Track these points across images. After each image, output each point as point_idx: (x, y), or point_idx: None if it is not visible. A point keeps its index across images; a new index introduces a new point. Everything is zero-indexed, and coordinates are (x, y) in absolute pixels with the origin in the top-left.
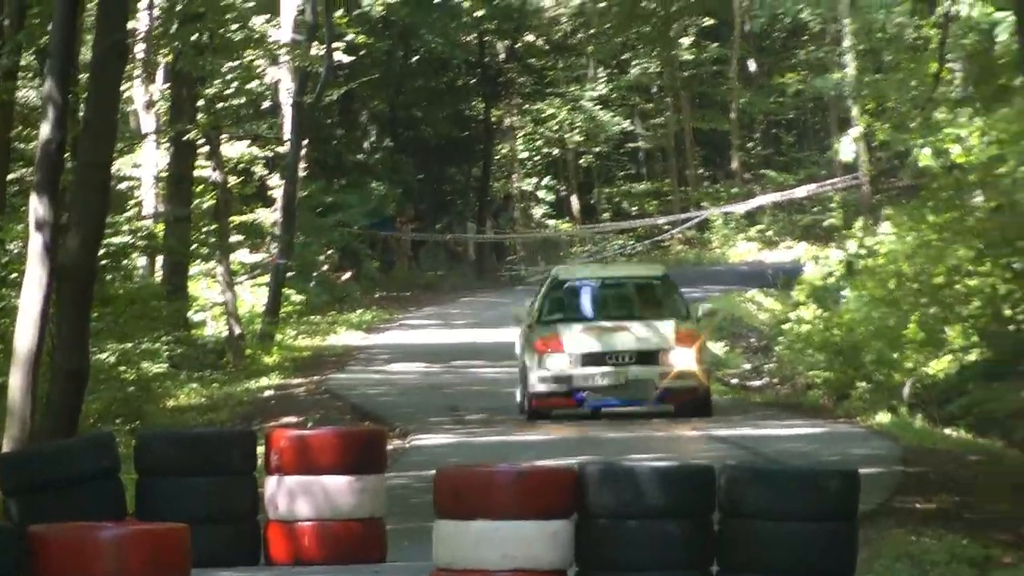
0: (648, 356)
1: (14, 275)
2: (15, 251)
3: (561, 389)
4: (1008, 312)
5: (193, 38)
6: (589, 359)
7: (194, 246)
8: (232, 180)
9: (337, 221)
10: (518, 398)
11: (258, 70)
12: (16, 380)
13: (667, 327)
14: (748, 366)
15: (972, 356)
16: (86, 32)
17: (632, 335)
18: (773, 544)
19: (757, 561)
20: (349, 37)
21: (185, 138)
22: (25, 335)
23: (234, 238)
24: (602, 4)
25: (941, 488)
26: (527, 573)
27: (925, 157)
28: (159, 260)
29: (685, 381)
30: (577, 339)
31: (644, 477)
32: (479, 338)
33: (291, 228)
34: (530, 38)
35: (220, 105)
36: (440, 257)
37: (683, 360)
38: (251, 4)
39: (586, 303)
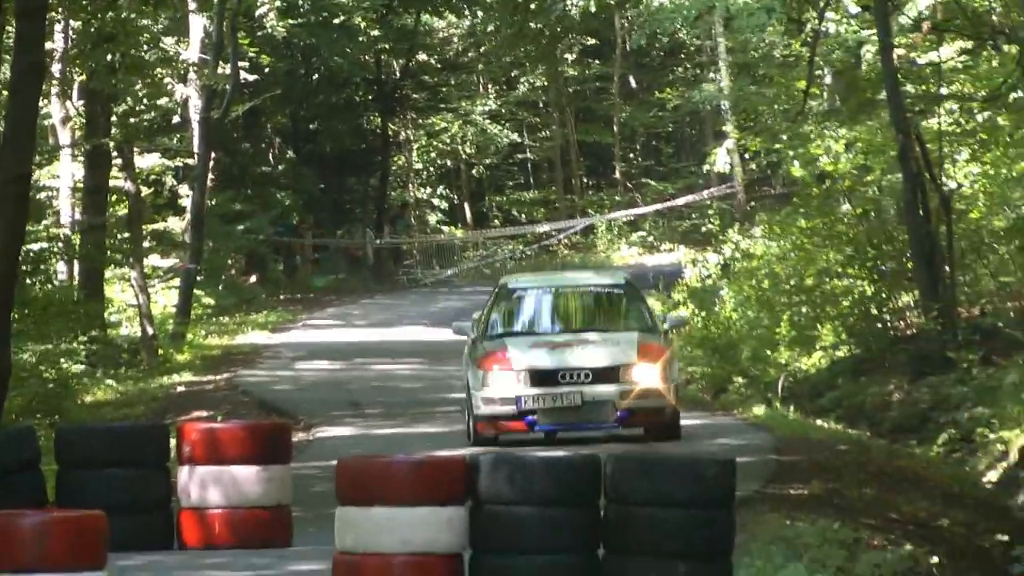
0: (607, 373)
1: None
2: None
3: (508, 411)
4: (875, 311)
5: (107, 58)
6: (539, 377)
7: (109, 252)
8: (144, 190)
9: (244, 228)
10: (466, 421)
11: (168, 87)
12: None
13: (629, 340)
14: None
15: (841, 352)
16: (5, 52)
17: (589, 350)
18: (655, 529)
19: (641, 545)
20: (252, 56)
21: (99, 151)
22: None
23: (147, 244)
24: (491, 27)
25: (813, 475)
26: (424, 556)
27: (795, 167)
28: (76, 265)
29: (649, 401)
30: (526, 355)
31: (533, 466)
32: (378, 337)
33: (200, 235)
34: (423, 57)
35: (132, 120)
36: (340, 262)
37: (646, 377)
38: (161, 26)
39: (538, 314)
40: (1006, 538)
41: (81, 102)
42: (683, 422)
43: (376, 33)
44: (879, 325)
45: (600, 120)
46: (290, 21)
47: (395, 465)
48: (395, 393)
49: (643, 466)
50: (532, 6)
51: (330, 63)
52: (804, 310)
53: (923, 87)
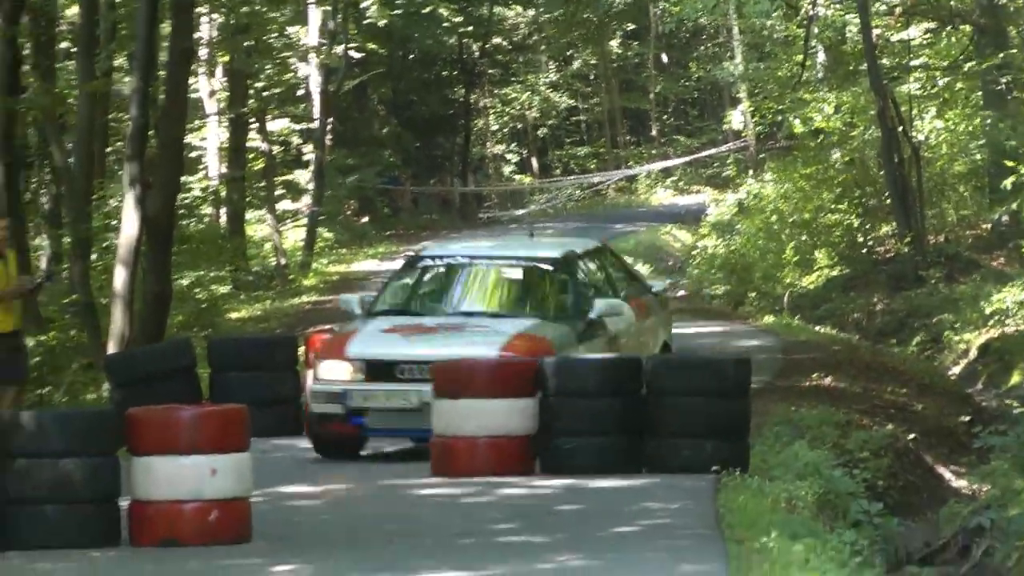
0: None
1: (114, 222)
2: (114, 204)
3: (335, 411)
4: (860, 239)
5: (243, 44)
6: (375, 370)
7: (248, 199)
8: (276, 149)
9: (355, 179)
10: None
11: (292, 67)
12: (117, 301)
13: (506, 330)
14: (668, 282)
15: (835, 272)
16: (162, 40)
17: (452, 339)
18: (686, 415)
19: (674, 428)
20: (359, 41)
21: (239, 118)
22: (122, 267)
23: (278, 192)
24: (550, 16)
25: (813, 371)
26: (500, 438)
27: (795, 125)
28: (222, 210)
29: None
30: (371, 341)
31: (588, 366)
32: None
33: (321, 184)
34: (497, 40)
35: (265, 93)
36: (433, 205)
37: None
38: (285, 18)
39: (432, 291)
40: (968, 419)
41: (224, 79)
42: (709, 329)
43: (458, 20)
44: (863, 250)
45: (638, 89)
46: (388, 12)
47: (478, 366)
48: None
49: (675, 364)
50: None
51: (421, 46)
52: (803, 239)
53: (896, 60)
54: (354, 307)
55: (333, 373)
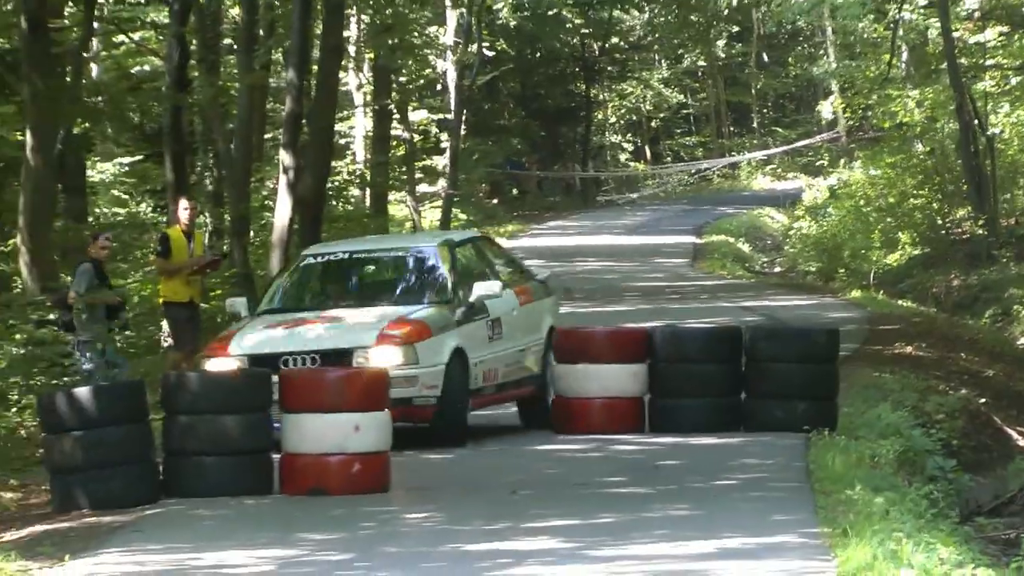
0: (336, 358)
1: (270, 203)
2: (270, 187)
3: None
4: (939, 222)
5: (388, 42)
6: (260, 364)
7: (391, 181)
8: (416, 137)
9: (487, 164)
10: None
11: (432, 63)
12: (273, 268)
13: (384, 316)
14: (766, 259)
15: (916, 251)
16: (315, 37)
17: (329, 330)
18: (781, 379)
19: (772, 391)
20: (491, 40)
21: (384, 109)
22: (277, 244)
23: (418, 176)
24: (662, 19)
25: (896, 340)
26: (615, 399)
27: (882, 119)
28: (368, 191)
29: (393, 390)
30: (252, 338)
31: (694, 335)
32: (583, 242)
33: (455, 169)
34: (615, 40)
35: (407, 86)
36: (556, 188)
37: (384, 362)
38: (425, 19)
39: (312, 287)
40: None
41: (370, 74)
42: (802, 302)
43: (580, 22)
44: (942, 232)
45: (742, 85)
46: (518, 14)
47: (596, 333)
48: (597, 282)
49: (772, 333)
50: (692, 2)
51: (546, 44)
52: (888, 221)
53: (972, 60)
54: (240, 309)
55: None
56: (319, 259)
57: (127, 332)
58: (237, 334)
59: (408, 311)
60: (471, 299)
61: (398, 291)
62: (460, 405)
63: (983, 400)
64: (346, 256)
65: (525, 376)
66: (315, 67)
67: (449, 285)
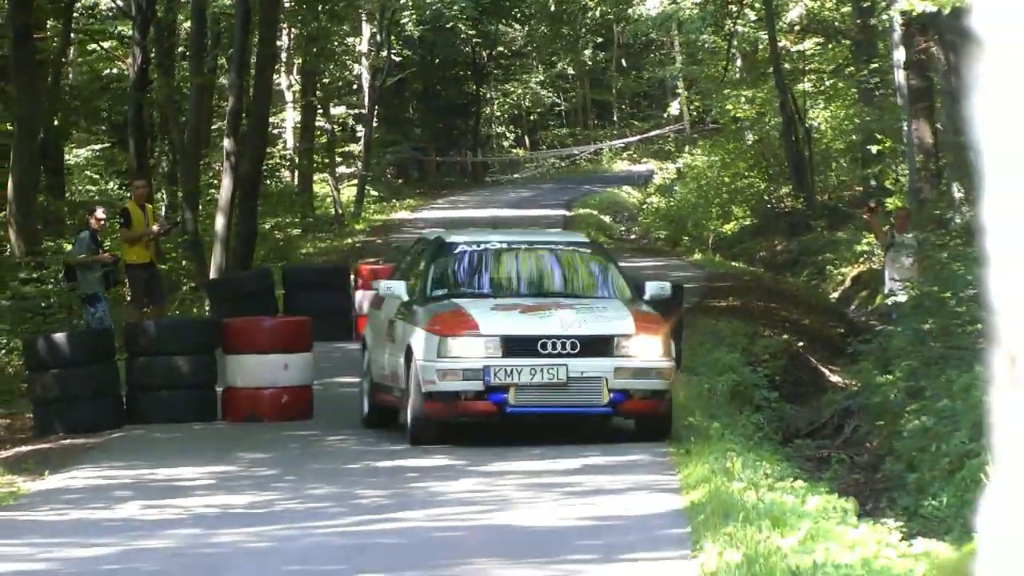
0: (599, 345)
1: (215, 181)
2: (216, 168)
3: (473, 388)
4: (766, 198)
5: (313, 50)
6: (515, 346)
7: (315, 165)
8: (336, 128)
9: (393, 150)
10: (366, 408)
11: (350, 67)
12: (217, 240)
13: (618, 308)
14: (624, 228)
15: (747, 222)
16: (253, 46)
17: (572, 315)
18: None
19: None
20: (398, 48)
21: (309, 105)
22: (221, 215)
23: (338, 160)
24: (539, 31)
25: (729, 294)
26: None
27: (720, 113)
28: (296, 173)
29: (650, 382)
30: (494, 318)
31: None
32: (474, 213)
33: (368, 154)
34: (500, 48)
35: (329, 85)
36: (452, 171)
37: (649, 352)
38: (344, 31)
39: (492, 274)
40: (842, 331)
41: (298, 76)
42: (653, 263)
43: (472, 33)
44: (768, 206)
45: (604, 86)
46: (420, 27)
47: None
48: None
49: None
50: (564, 18)
51: (444, 52)
52: (724, 196)
53: (794, 65)
54: (401, 293)
55: (469, 349)
56: (472, 247)
57: (117, 286)
58: (473, 315)
59: (624, 304)
60: (647, 296)
61: (586, 283)
62: (671, 403)
63: (801, 344)
64: (504, 246)
65: None
66: (253, 71)
67: (623, 280)
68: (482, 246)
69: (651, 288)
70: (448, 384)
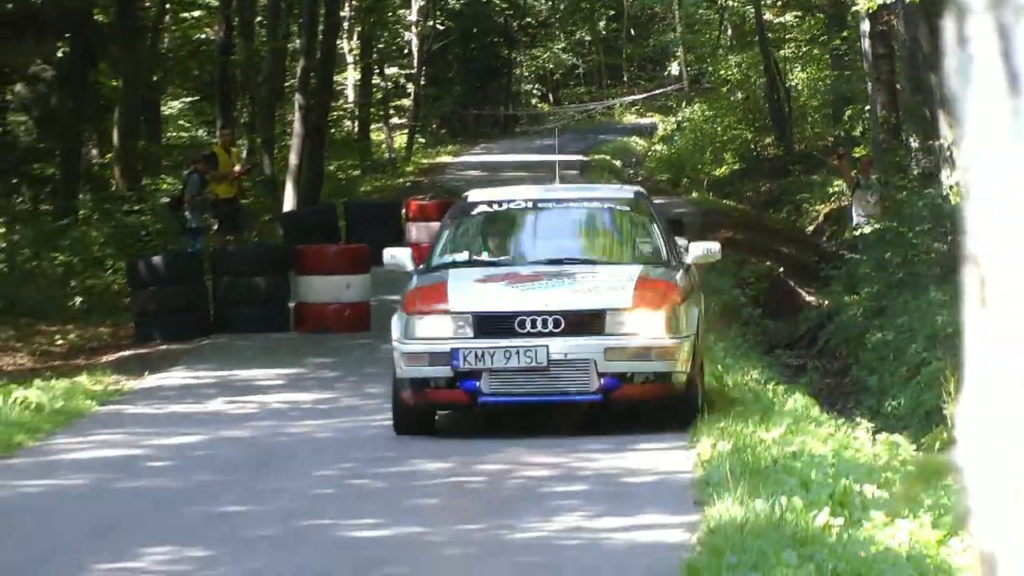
0: (587, 321)
1: (288, 130)
2: (289, 119)
3: (440, 374)
4: (752, 146)
5: (370, 20)
6: (488, 324)
7: (371, 116)
8: (390, 85)
9: (438, 105)
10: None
11: (401, 33)
12: (289, 179)
13: (627, 276)
14: (632, 171)
15: (736, 167)
16: (320, 15)
17: (565, 287)
18: None
19: None
20: (441, 20)
21: (367, 65)
22: (293, 158)
23: (391, 112)
24: (561, 4)
25: (720, 227)
26: None
27: (713, 75)
28: (356, 123)
29: (649, 363)
30: (471, 292)
31: None
32: (505, 158)
33: (417, 107)
34: (528, 19)
35: (384, 49)
36: (487, 123)
37: (646, 328)
38: (396, 3)
39: (503, 238)
40: (816, 259)
41: (358, 40)
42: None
43: (505, 6)
44: (754, 153)
45: (616, 51)
46: (461, 1)
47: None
48: (511, 182)
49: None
50: None
51: (480, 22)
52: (716, 145)
53: (776, 34)
54: (405, 262)
55: (435, 328)
56: (494, 207)
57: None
58: (446, 286)
59: (639, 271)
60: (688, 260)
61: (609, 246)
62: (695, 383)
63: (781, 269)
64: (529, 205)
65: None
66: (320, 37)
67: (663, 243)
68: (504, 206)
69: (696, 250)
70: (414, 370)
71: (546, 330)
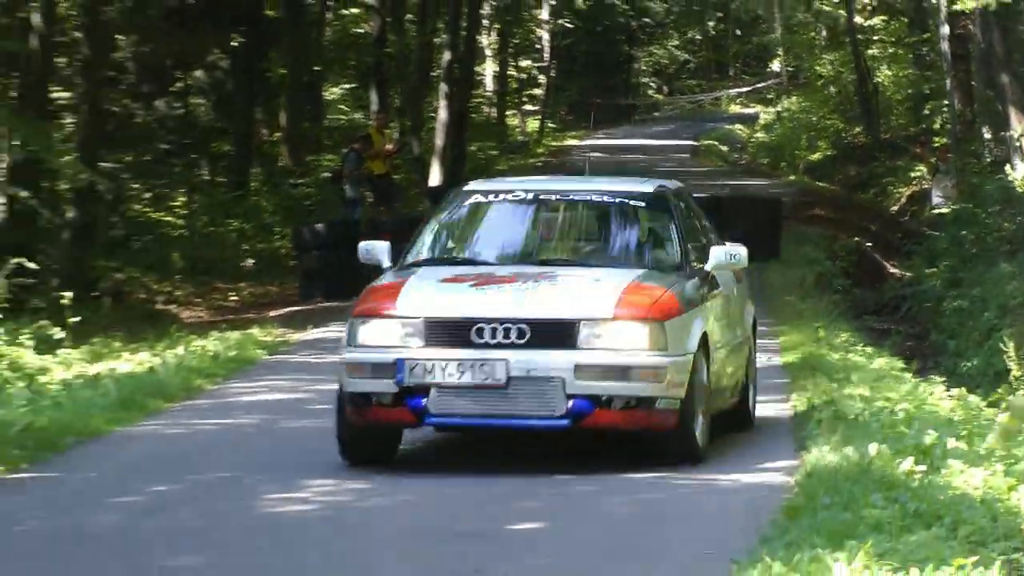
0: (556, 333)
1: (433, 114)
2: (434, 105)
3: (383, 388)
4: (843, 135)
5: (506, 19)
6: (439, 331)
7: (508, 102)
8: (524, 76)
9: (566, 94)
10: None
11: (534, 31)
12: (435, 158)
13: (616, 281)
14: (736, 155)
15: (829, 152)
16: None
17: (539, 292)
18: (750, 226)
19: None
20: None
21: (504, 58)
22: (438, 139)
23: (524, 99)
24: (675, 9)
25: (815, 206)
26: None
27: (809, 70)
28: (495, 109)
29: (629, 386)
30: (427, 294)
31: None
32: (625, 142)
33: (548, 96)
34: (646, 19)
35: (519, 44)
36: (609, 110)
37: (629, 343)
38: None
39: (493, 234)
40: (900, 235)
41: (496, 36)
42: (759, 182)
43: (626, 7)
44: (845, 141)
45: (723, 49)
46: (587, 2)
47: None
48: (629, 164)
49: (737, 199)
50: None
51: (604, 20)
52: (812, 133)
53: (865, 36)
54: (381, 257)
55: (380, 335)
56: (490, 197)
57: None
58: (404, 288)
59: (637, 276)
60: (707, 266)
61: (610, 248)
62: (691, 412)
63: (868, 244)
64: (530, 196)
65: (737, 380)
66: (463, 32)
67: (678, 245)
68: (500, 196)
69: (717, 256)
70: (357, 383)
71: (507, 341)
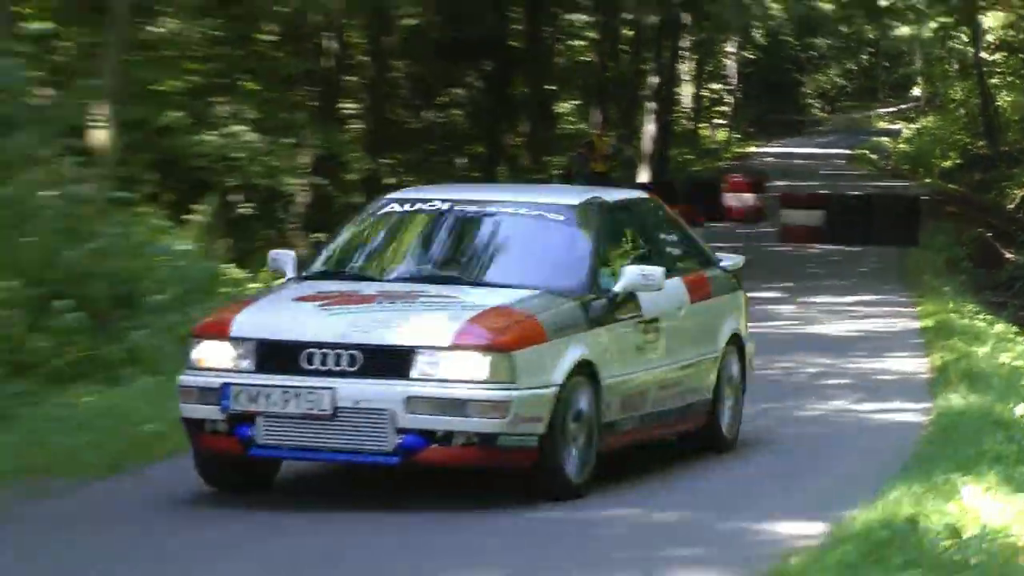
0: (390, 360)
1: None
2: (644, 118)
3: (213, 415)
4: (970, 147)
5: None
6: (270, 355)
7: (702, 118)
8: (715, 95)
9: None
10: None
11: (723, 61)
12: (644, 160)
13: (478, 304)
14: (883, 162)
15: (958, 161)
16: (667, 47)
17: (386, 314)
18: (898, 218)
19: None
20: (751, 50)
21: (700, 82)
22: (646, 145)
23: (715, 115)
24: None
25: (947, 204)
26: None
27: (943, 95)
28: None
29: (469, 422)
30: (268, 312)
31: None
32: (794, 150)
33: (735, 112)
34: (812, 52)
35: (711, 71)
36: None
37: (469, 374)
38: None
39: (393, 247)
40: (1015, 227)
41: (692, 64)
42: (899, 184)
43: (795, 43)
44: (971, 152)
45: (873, 77)
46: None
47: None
48: (797, 168)
49: (869, 200)
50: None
51: (779, 53)
52: (944, 145)
53: (989, 68)
54: (286, 267)
55: (212, 357)
56: (405, 207)
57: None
58: (249, 306)
59: (513, 298)
60: (616, 288)
61: (508, 266)
62: (578, 448)
63: (988, 234)
64: (444, 207)
65: (690, 403)
66: (666, 61)
67: (587, 264)
68: (416, 206)
69: (628, 276)
70: (187, 408)
71: (337, 368)
